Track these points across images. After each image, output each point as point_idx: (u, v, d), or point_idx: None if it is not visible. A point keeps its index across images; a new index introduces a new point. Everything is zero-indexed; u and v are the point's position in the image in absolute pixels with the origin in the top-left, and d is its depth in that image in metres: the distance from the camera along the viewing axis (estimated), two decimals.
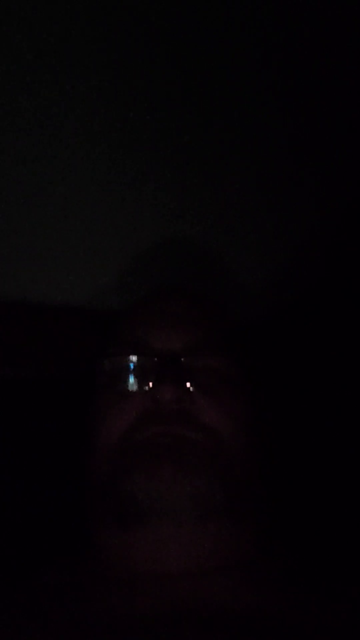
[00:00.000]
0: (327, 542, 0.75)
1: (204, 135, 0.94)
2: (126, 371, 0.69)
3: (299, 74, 0.95)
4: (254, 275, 0.93)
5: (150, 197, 0.92)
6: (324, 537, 0.77)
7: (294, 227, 0.94)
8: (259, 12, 0.93)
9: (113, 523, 0.66)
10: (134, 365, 0.69)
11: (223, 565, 0.65)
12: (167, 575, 0.64)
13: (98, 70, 0.91)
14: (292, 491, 0.80)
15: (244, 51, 0.94)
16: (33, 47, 0.90)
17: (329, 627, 0.60)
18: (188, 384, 0.67)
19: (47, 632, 0.60)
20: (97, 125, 0.91)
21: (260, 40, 0.94)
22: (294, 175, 0.95)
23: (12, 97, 0.89)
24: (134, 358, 0.70)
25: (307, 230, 0.95)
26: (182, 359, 0.68)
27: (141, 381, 0.69)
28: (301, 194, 0.95)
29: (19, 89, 0.90)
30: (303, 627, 0.60)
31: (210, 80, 0.94)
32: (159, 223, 0.92)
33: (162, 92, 0.93)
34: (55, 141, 0.90)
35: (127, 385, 0.69)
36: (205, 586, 0.64)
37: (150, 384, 0.68)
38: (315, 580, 0.66)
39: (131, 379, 0.69)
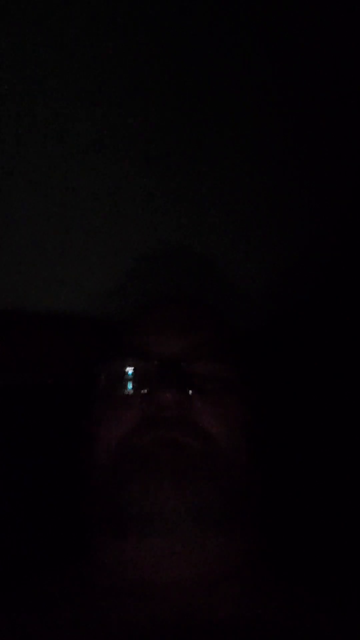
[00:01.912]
0: (328, 550, 0.75)
1: (203, 143, 0.94)
2: (126, 376, 0.70)
3: (298, 83, 0.95)
4: (253, 282, 0.93)
5: (149, 205, 0.92)
6: (325, 545, 0.77)
7: (293, 235, 0.94)
8: (260, 30, 0.93)
9: (110, 532, 0.66)
10: (133, 370, 0.70)
11: (222, 574, 0.65)
12: (165, 585, 0.64)
13: (99, 80, 0.91)
14: (292, 498, 0.79)
15: (243, 61, 0.93)
16: (31, 57, 0.90)
17: (331, 637, 0.60)
18: (187, 389, 0.67)
19: None
20: (96, 133, 0.91)
21: (261, 50, 0.93)
22: (293, 184, 0.95)
23: (8, 106, 0.89)
24: (133, 363, 0.70)
25: (306, 239, 0.95)
26: (182, 364, 0.68)
27: (141, 386, 0.68)
28: (300, 203, 0.95)
29: (19, 100, 0.90)
30: (304, 638, 0.59)
31: (211, 90, 0.93)
32: (158, 231, 0.92)
33: (162, 99, 0.92)
34: (54, 149, 0.90)
35: (127, 390, 0.69)
36: (204, 596, 0.63)
37: (150, 389, 0.67)
38: (317, 590, 0.65)
39: (131, 384, 0.69)
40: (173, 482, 0.63)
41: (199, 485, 0.64)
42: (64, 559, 0.72)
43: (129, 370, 0.70)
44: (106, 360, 0.72)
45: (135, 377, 0.69)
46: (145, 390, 0.68)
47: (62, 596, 0.65)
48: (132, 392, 0.69)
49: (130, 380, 0.69)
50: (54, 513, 0.80)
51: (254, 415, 0.71)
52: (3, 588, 0.68)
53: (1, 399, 0.85)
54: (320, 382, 0.89)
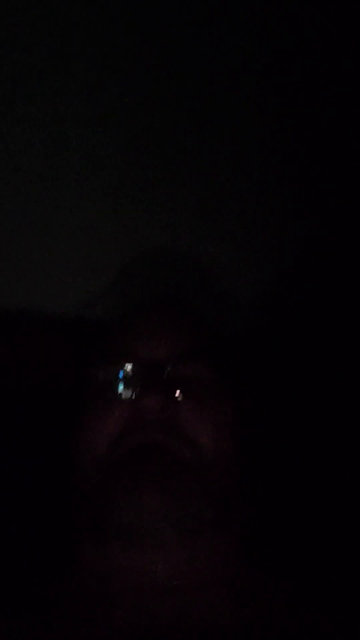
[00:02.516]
0: (316, 556, 0.75)
1: (197, 145, 0.94)
2: (111, 380, 0.69)
3: (293, 91, 0.95)
4: (244, 287, 0.93)
5: (140, 209, 0.92)
6: (313, 551, 0.77)
7: (285, 240, 0.95)
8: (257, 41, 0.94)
9: (97, 538, 0.66)
10: (119, 375, 0.70)
11: (208, 580, 0.65)
12: (151, 591, 0.63)
13: (97, 84, 0.92)
14: (279, 503, 0.79)
15: (237, 67, 0.94)
16: (32, 60, 0.90)
17: (331, 637, 0.60)
18: (173, 393, 0.67)
19: None
20: (92, 136, 0.92)
21: (256, 58, 0.94)
22: (286, 188, 0.95)
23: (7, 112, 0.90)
24: (119, 367, 0.70)
25: (299, 244, 0.95)
26: (167, 368, 0.68)
27: (126, 390, 0.69)
28: (294, 208, 0.95)
29: (17, 104, 0.90)
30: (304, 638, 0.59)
31: (207, 96, 0.94)
32: (148, 235, 0.92)
33: (158, 104, 0.93)
34: (48, 153, 0.91)
35: (113, 395, 0.69)
36: (190, 602, 0.63)
37: (136, 394, 0.68)
38: (304, 596, 0.65)
39: (116, 389, 0.69)
40: (156, 489, 0.63)
41: (183, 492, 0.64)
42: (52, 566, 0.71)
43: (115, 375, 0.70)
44: (92, 366, 0.72)
45: (121, 381, 0.69)
46: (132, 395, 0.68)
47: (50, 603, 0.65)
48: (117, 396, 0.69)
49: (116, 385, 0.69)
50: (41, 519, 0.79)
51: (239, 419, 0.71)
52: None
53: None
54: (308, 385, 0.89)
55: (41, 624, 0.62)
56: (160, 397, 0.66)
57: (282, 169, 0.95)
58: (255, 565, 0.69)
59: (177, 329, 0.72)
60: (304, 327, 0.92)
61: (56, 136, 0.91)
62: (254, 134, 0.94)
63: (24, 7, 0.90)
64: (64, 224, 0.91)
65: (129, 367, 0.69)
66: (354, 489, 0.82)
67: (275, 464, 0.78)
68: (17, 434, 0.84)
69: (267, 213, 0.95)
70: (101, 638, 0.60)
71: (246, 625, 0.61)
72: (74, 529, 0.69)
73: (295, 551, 0.75)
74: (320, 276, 0.94)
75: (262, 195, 0.94)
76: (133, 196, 0.92)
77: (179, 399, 0.67)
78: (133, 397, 0.68)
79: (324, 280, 0.94)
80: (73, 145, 0.91)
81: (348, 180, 0.95)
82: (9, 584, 0.69)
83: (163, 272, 0.92)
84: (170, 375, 0.68)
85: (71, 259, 0.90)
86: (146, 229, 0.92)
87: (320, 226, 0.94)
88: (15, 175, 0.90)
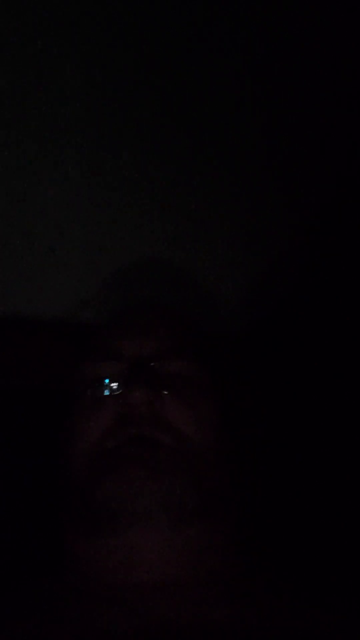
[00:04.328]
0: (307, 549, 0.75)
1: (182, 155, 0.95)
2: (98, 378, 0.71)
3: (288, 100, 0.97)
4: (227, 289, 0.95)
5: (128, 217, 0.94)
6: (303, 544, 0.77)
7: (265, 244, 0.96)
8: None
9: (86, 532, 0.66)
10: (106, 372, 0.71)
11: (198, 573, 0.65)
12: (141, 585, 0.63)
13: (94, 95, 0.93)
14: (269, 496, 0.79)
15: (221, 80, 0.96)
16: (31, 66, 0.91)
17: (331, 637, 0.59)
18: (159, 388, 0.68)
19: None
20: (86, 145, 0.93)
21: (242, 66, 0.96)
22: (266, 194, 0.97)
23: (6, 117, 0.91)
24: (105, 365, 0.71)
25: (286, 243, 0.96)
26: (152, 364, 0.70)
27: (113, 387, 0.70)
28: (273, 213, 0.97)
29: (16, 114, 0.91)
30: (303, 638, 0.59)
31: (205, 109, 0.96)
32: (138, 240, 0.94)
33: (156, 113, 0.95)
34: (42, 159, 0.92)
35: (99, 392, 0.70)
36: (180, 596, 0.63)
37: (122, 390, 0.69)
38: (295, 591, 0.65)
39: (103, 386, 0.70)
40: (145, 481, 0.64)
41: (171, 483, 0.64)
42: (45, 564, 0.72)
43: (102, 372, 0.71)
44: (80, 364, 0.74)
45: (107, 378, 0.70)
46: (119, 392, 0.69)
47: (43, 602, 0.65)
48: (104, 393, 0.70)
49: (103, 382, 0.70)
50: (29, 516, 0.80)
51: (224, 413, 0.72)
52: None
53: None
54: (294, 380, 0.90)
55: (35, 623, 0.61)
56: (146, 392, 0.67)
57: (268, 173, 0.97)
58: (253, 563, 0.69)
59: (162, 327, 0.74)
60: (290, 325, 0.93)
61: (55, 142, 0.92)
62: (242, 139, 0.96)
63: (24, 7, 0.90)
64: (57, 232, 0.92)
65: (115, 363, 0.70)
66: (353, 484, 0.83)
67: (262, 454, 0.79)
68: (10, 431, 0.84)
69: (255, 212, 0.96)
70: (94, 637, 0.60)
71: (242, 624, 0.60)
72: (65, 522, 0.70)
73: (294, 550, 0.75)
74: (307, 275, 0.95)
75: (250, 195, 0.96)
76: (125, 203, 0.94)
77: (165, 393, 0.68)
78: (121, 392, 0.69)
79: (311, 279, 0.95)
80: (70, 150, 0.92)
81: (334, 184, 0.96)
82: (4, 583, 0.69)
83: (152, 275, 0.94)
84: (156, 371, 0.69)
85: (58, 264, 0.92)
86: (136, 234, 0.94)
87: (307, 226, 0.96)
88: (12, 181, 0.91)
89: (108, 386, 0.70)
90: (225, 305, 0.94)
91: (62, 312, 0.91)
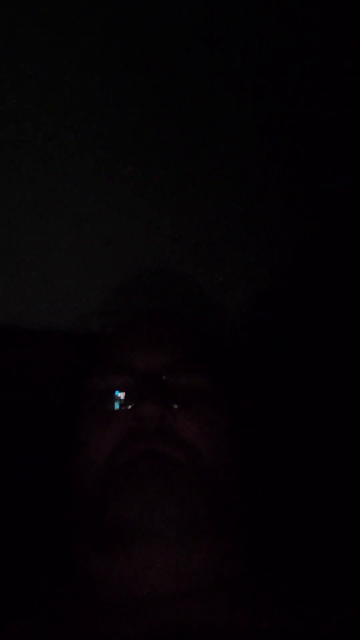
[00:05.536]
0: (316, 559, 0.75)
1: (189, 165, 0.95)
2: (109, 392, 0.70)
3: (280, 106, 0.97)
4: (234, 299, 0.95)
5: (135, 226, 0.94)
6: (312, 554, 0.76)
7: (272, 254, 0.96)
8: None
9: (97, 546, 0.66)
10: (116, 386, 0.70)
11: (210, 585, 0.65)
12: (153, 598, 0.63)
13: (95, 100, 0.93)
14: (278, 508, 0.79)
15: (219, 85, 0.95)
16: (31, 70, 0.91)
17: (331, 637, 0.59)
18: (170, 402, 0.68)
19: None
20: (93, 153, 0.93)
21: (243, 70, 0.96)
22: (273, 205, 0.97)
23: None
24: (116, 378, 0.70)
25: (286, 257, 0.96)
26: (164, 377, 0.69)
27: (124, 401, 0.69)
28: (280, 223, 0.97)
29: (16, 122, 0.91)
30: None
31: (205, 114, 0.96)
32: (141, 250, 0.94)
33: (157, 118, 0.94)
34: (45, 165, 0.92)
35: (110, 406, 0.69)
36: (192, 608, 0.63)
37: (134, 404, 0.68)
38: (305, 599, 0.65)
39: (114, 399, 0.70)
40: (156, 496, 0.63)
41: (182, 498, 0.64)
42: (52, 574, 0.71)
43: (113, 386, 0.70)
44: (90, 377, 0.73)
45: (118, 392, 0.70)
46: (129, 406, 0.68)
47: (51, 611, 0.65)
48: (115, 406, 0.69)
49: (114, 396, 0.70)
50: (39, 529, 0.79)
51: (236, 426, 0.71)
52: None
53: None
54: (304, 391, 0.90)
55: (40, 630, 0.62)
56: (157, 406, 0.67)
57: (274, 185, 0.96)
58: (255, 567, 0.69)
59: (173, 339, 0.73)
60: (297, 335, 0.93)
61: (57, 148, 0.92)
62: (249, 152, 0.96)
63: (24, 7, 0.90)
64: (62, 241, 0.92)
65: (126, 377, 0.70)
66: (353, 490, 0.83)
67: (273, 468, 0.79)
68: (18, 444, 0.84)
69: (262, 222, 0.96)
70: None
71: (246, 628, 0.60)
72: (75, 536, 0.70)
73: (295, 552, 0.75)
74: (314, 285, 0.95)
75: (255, 205, 0.96)
76: (133, 212, 0.93)
77: (176, 407, 0.68)
78: (131, 406, 0.68)
79: (318, 289, 0.95)
80: (77, 159, 0.92)
81: (340, 196, 0.96)
82: (8, 589, 0.69)
83: (159, 285, 0.93)
84: (167, 384, 0.69)
85: (66, 274, 0.92)
86: (142, 244, 0.93)
87: (314, 236, 0.96)
88: (15, 190, 0.91)
89: (119, 400, 0.69)
90: (232, 315, 0.94)
91: (69, 322, 0.90)
